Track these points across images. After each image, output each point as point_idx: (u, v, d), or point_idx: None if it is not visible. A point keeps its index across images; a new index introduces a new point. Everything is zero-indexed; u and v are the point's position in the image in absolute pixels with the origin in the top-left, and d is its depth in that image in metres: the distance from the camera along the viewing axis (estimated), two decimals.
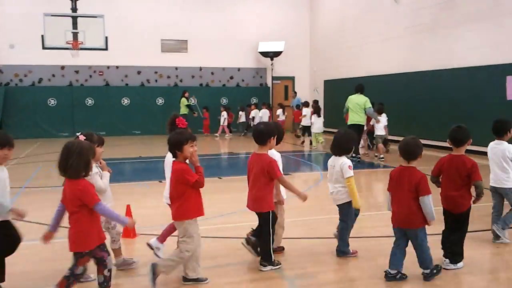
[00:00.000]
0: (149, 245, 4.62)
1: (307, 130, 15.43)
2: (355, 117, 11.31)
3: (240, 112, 19.44)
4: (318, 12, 21.01)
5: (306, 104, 16.27)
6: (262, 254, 4.40)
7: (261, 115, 18.19)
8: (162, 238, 4.64)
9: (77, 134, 3.98)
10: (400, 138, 4.51)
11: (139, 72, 19.81)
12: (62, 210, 3.65)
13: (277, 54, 20.24)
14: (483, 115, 11.52)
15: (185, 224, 3.93)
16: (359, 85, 11.91)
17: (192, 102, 19.00)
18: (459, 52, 12.86)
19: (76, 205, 3.39)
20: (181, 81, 20.31)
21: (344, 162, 4.59)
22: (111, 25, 16.06)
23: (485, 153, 5.42)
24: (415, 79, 14.46)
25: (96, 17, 14.94)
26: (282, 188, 4.60)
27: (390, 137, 12.56)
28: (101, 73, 19.38)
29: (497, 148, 5.14)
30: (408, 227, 4.02)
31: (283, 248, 4.85)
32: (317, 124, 14.29)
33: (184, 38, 20.04)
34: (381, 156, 11.60)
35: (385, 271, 4.11)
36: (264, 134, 4.37)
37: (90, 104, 19.05)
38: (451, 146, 4.53)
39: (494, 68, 11.58)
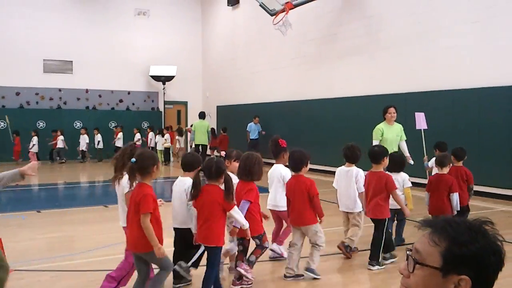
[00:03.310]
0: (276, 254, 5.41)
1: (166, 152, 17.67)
2: (201, 138, 14.47)
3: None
4: (210, 38, 21.35)
5: (168, 129, 18.26)
6: (372, 255, 5.17)
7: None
8: (281, 241, 5.46)
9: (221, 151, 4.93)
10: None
11: (18, 94, 18.37)
12: None
13: (169, 78, 20.10)
14: (361, 142, 12.41)
15: (314, 226, 4.81)
16: (201, 112, 15.54)
17: (2, 126, 17.63)
18: (339, 82, 13.84)
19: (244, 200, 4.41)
20: (65, 103, 19.20)
21: (405, 175, 5.92)
22: None
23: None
24: (301, 107, 15.23)
25: None
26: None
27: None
28: None
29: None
30: (442, 213, 5.56)
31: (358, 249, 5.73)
32: (160, 142, 17.52)
33: (69, 59, 19.06)
34: None
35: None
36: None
37: None
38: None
39: (369, 99, 12.60)
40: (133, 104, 20.53)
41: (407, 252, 1.33)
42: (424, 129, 8.43)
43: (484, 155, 9.75)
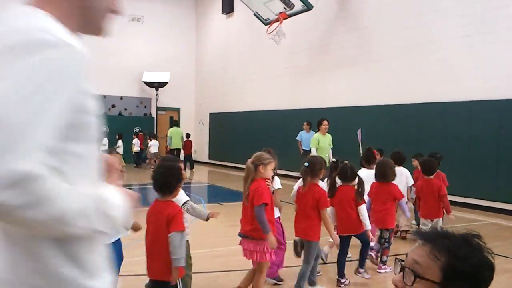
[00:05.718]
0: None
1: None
2: (177, 143, 16.44)
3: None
4: (204, 46, 21.40)
5: (153, 136, 18.25)
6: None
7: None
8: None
9: (333, 159, 5.52)
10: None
11: None
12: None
13: (163, 84, 20.10)
14: (351, 151, 12.49)
15: (438, 220, 5.81)
16: (175, 120, 17.91)
17: None
18: (331, 93, 13.93)
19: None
20: None
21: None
22: None
23: None
24: (293, 116, 15.27)
25: None
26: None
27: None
28: None
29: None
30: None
31: None
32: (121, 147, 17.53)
33: None
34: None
35: None
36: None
37: None
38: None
39: (361, 109, 12.70)
40: (126, 109, 20.48)
41: (401, 263, 1.32)
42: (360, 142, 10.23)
43: (474, 167, 9.85)
